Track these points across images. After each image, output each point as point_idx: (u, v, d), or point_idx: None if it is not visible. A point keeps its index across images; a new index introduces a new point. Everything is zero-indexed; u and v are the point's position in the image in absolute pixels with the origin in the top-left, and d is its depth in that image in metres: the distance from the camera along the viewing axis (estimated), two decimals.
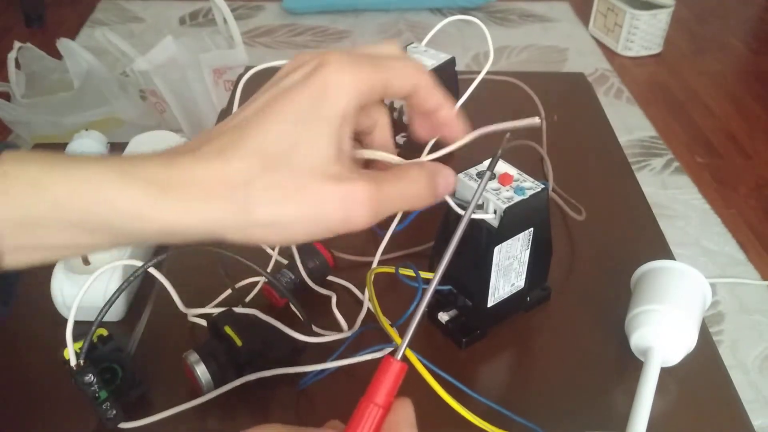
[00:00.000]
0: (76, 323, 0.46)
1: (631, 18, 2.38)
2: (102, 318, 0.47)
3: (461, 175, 0.48)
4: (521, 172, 0.51)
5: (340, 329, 0.56)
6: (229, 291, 0.59)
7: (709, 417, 0.51)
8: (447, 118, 0.38)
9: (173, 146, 0.32)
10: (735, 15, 2.82)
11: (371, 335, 0.56)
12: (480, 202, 0.48)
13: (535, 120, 0.40)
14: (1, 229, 0.28)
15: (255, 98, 0.33)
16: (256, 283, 0.60)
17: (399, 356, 0.32)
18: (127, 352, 0.53)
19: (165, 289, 0.55)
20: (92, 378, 0.46)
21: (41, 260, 0.31)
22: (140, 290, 0.61)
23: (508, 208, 0.48)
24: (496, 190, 0.49)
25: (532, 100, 0.85)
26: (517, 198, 0.48)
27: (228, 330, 0.51)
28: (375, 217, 0.32)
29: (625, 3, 2.40)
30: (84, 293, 0.47)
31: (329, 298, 0.60)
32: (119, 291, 0.48)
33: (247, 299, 0.59)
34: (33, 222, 0.29)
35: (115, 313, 0.58)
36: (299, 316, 0.56)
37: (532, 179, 0.50)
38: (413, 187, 0.35)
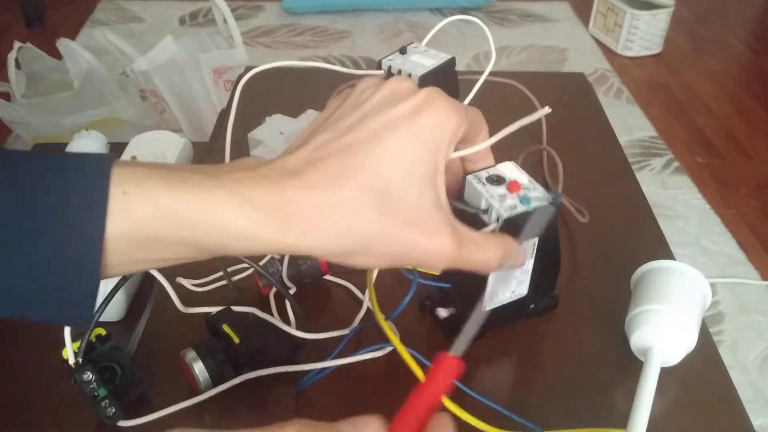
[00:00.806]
0: None
1: (631, 18, 2.38)
2: (99, 317, 0.47)
3: (470, 177, 0.47)
4: (532, 180, 0.48)
5: (339, 328, 0.56)
6: (221, 273, 0.60)
7: (709, 417, 0.51)
8: (484, 165, 0.44)
9: (276, 162, 0.33)
10: (735, 15, 2.82)
11: (371, 334, 0.56)
12: (485, 207, 0.47)
13: (545, 110, 0.41)
14: (117, 245, 0.29)
15: (355, 119, 0.34)
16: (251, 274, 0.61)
17: (459, 354, 0.34)
18: (127, 351, 0.53)
19: (165, 288, 0.55)
20: (91, 376, 0.46)
21: (138, 270, 0.32)
22: (140, 290, 0.61)
23: (509, 218, 0.46)
24: (502, 196, 0.46)
25: (531, 101, 0.85)
26: (521, 209, 0.46)
27: (226, 328, 0.51)
28: (445, 268, 0.35)
29: (625, 3, 2.40)
30: None
31: (327, 297, 0.60)
32: (115, 289, 0.48)
33: (235, 278, 0.60)
34: (150, 239, 0.29)
35: (115, 313, 0.58)
36: (292, 306, 0.56)
37: (543, 189, 0.47)
38: (487, 257, 0.37)
